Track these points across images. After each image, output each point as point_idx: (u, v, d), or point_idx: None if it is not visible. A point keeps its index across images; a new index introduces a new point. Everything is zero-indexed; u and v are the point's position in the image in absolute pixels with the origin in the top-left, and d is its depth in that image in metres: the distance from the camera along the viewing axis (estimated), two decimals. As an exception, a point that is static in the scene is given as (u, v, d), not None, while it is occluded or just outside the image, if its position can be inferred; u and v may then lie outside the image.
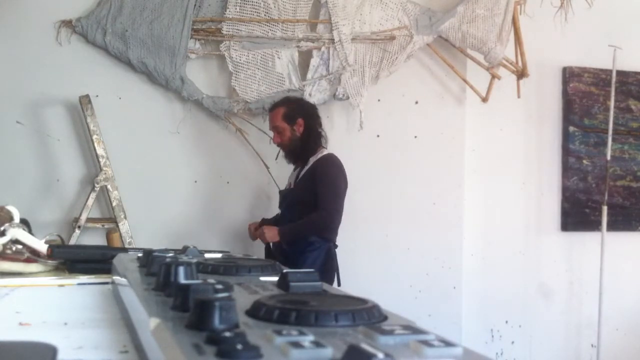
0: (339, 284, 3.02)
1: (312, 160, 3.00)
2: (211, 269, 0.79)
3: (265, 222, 3.15)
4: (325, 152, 3.05)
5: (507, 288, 3.91)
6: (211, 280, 0.59)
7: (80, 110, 3.27)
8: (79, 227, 3.17)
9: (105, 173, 3.22)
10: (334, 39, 3.47)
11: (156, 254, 0.81)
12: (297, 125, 3.01)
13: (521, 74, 3.71)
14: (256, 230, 3.08)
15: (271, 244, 3.07)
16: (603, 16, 4.00)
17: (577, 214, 4.07)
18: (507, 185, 3.96)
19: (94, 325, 0.75)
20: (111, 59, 3.39)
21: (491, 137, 3.91)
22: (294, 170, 3.13)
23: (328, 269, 2.98)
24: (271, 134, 3.29)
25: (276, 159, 3.30)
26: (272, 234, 2.97)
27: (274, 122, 3.04)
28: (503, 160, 3.94)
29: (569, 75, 4.07)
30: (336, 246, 3.06)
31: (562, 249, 4.08)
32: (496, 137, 3.92)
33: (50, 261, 1.23)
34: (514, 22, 3.64)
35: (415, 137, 3.74)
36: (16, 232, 1.24)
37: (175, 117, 3.47)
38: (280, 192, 3.21)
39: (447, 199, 3.76)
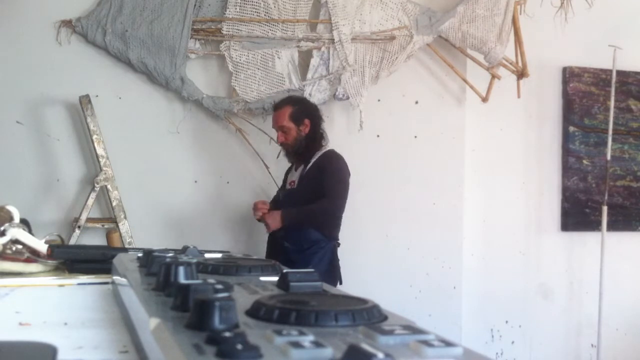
0: (340, 282, 3.04)
1: (315, 157, 3.01)
2: (211, 269, 0.79)
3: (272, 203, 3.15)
4: (327, 148, 3.07)
5: (507, 288, 3.91)
6: (211, 280, 0.59)
7: (80, 110, 3.27)
8: (79, 227, 3.17)
9: (105, 173, 3.22)
10: (334, 39, 3.47)
11: (156, 254, 0.81)
12: (304, 126, 3.01)
13: (521, 74, 3.71)
14: (262, 215, 3.02)
15: (268, 241, 3.08)
16: (603, 16, 4.00)
17: (577, 214, 4.07)
18: (507, 185, 3.96)
19: (94, 325, 0.75)
20: (111, 59, 3.39)
21: (491, 137, 3.91)
22: (295, 169, 3.13)
23: (334, 268, 3.01)
24: (271, 133, 3.30)
25: (277, 157, 3.30)
26: (274, 220, 2.94)
27: (279, 122, 3.02)
28: (503, 160, 3.94)
29: (569, 75, 4.07)
30: (339, 244, 3.07)
31: (562, 249, 4.08)
32: (496, 137, 3.92)
33: (50, 261, 1.23)
34: (514, 22, 3.64)
35: (415, 137, 3.74)
36: (16, 232, 1.24)
37: (175, 117, 3.47)
38: (280, 191, 3.20)
39: (447, 199, 3.76)
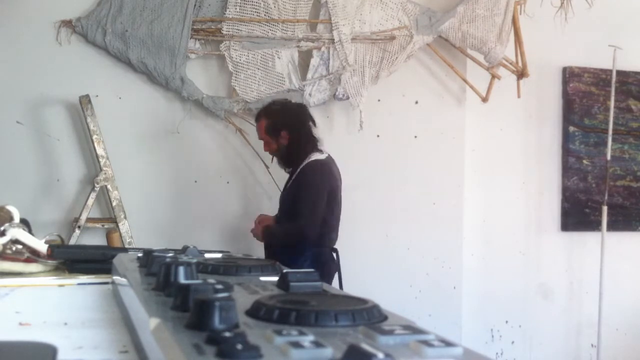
0: (340, 288, 2.99)
1: (302, 164, 2.94)
2: (211, 269, 0.79)
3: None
4: (312, 157, 2.93)
5: (507, 288, 3.91)
6: (211, 280, 0.59)
7: (80, 110, 3.27)
8: (79, 227, 3.16)
9: (105, 173, 3.22)
10: (334, 39, 3.47)
11: (156, 254, 0.81)
12: (281, 138, 2.95)
13: (521, 74, 3.71)
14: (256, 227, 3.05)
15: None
16: (603, 16, 4.00)
17: (577, 214, 4.07)
18: (507, 185, 3.96)
19: (94, 325, 0.75)
20: (111, 59, 3.39)
21: (491, 137, 3.91)
22: (288, 172, 3.12)
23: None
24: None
25: (271, 161, 3.31)
26: (257, 234, 3.00)
27: (259, 134, 3.03)
28: (503, 160, 3.94)
29: (569, 75, 4.07)
30: (334, 250, 3.02)
31: (562, 249, 4.08)
32: (496, 137, 3.92)
33: (50, 261, 1.23)
34: (514, 22, 3.64)
35: (415, 137, 3.74)
36: (16, 232, 1.24)
37: (175, 117, 3.47)
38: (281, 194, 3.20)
39: (447, 199, 3.76)
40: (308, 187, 2.90)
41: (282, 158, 3.03)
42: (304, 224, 2.86)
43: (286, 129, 2.96)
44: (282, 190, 3.14)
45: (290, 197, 2.95)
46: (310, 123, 3.04)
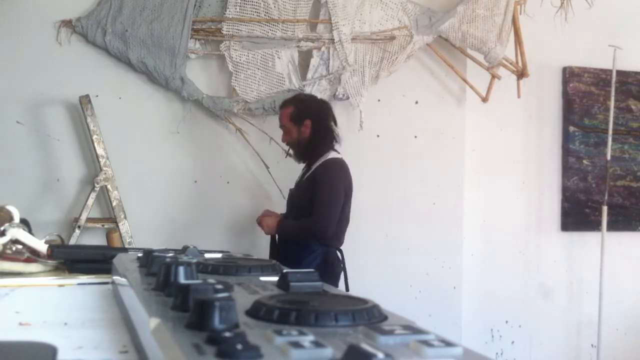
0: (347, 289, 2.97)
1: (318, 162, 2.94)
2: (211, 269, 0.79)
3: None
4: (331, 155, 2.95)
5: (507, 288, 3.91)
6: (211, 280, 0.59)
7: (80, 110, 3.27)
8: (79, 227, 3.16)
9: (105, 173, 3.22)
10: (334, 39, 3.47)
11: (156, 254, 0.81)
12: (304, 127, 2.94)
13: (521, 74, 3.71)
14: (260, 218, 3.03)
15: (270, 240, 3.07)
16: (603, 16, 4.00)
17: (577, 214, 4.07)
18: (507, 185, 3.96)
19: (94, 325, 0.75)
20: (111, 59, 3.39)
21: (491, 137, 3.91)
22: (303, 169, 3.10)
23: (325, 273, 2.93)
24: (271, 133, 3.32)
25: (286, 156, 3.27)
26: (271, 223, 2.95)
27: (282, 121, 3.00)
28: (503, 160, 3.94)
29: (569, 75, 4.07)
30: (340, 250, 3.00)
31: (562, 249, 4.08)
32: (496, 137, 3.93)
33: (50, 261, 1.23)
34: (514, 22, 3.64)
35: (415, 137, 3.74)
36: (16, 232, 1.24)
37: (175, 117, 3.47)
38: (290, 190, 3.17)
39: (447, 199, 3.76)
40: (327, 185, 2.89)
41: (300, 150, 3.00)
42: (321, 222, 2.86)
43: (310, 118, 2.95)
44: (293, 186, 3.10)
45: (304, 194, 2.92)
46: (332, 121, 3.04)
